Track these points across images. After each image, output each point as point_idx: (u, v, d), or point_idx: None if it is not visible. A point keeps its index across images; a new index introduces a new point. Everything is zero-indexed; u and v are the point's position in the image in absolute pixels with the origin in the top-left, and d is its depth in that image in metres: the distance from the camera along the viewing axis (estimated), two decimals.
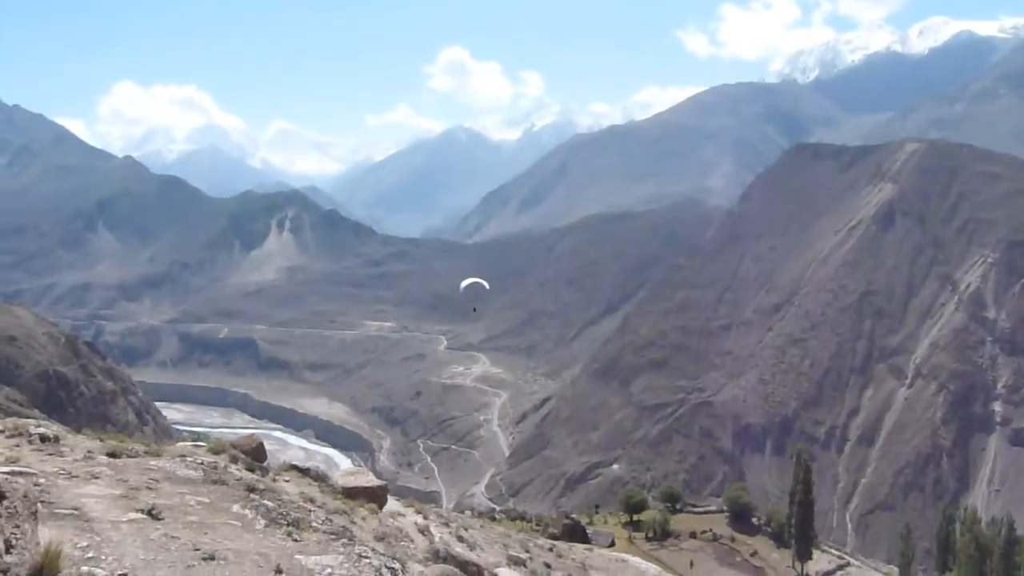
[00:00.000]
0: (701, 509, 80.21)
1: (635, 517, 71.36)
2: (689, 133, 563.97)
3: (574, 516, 55.97)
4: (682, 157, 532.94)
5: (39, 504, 6.82)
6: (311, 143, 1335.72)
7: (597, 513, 78.15)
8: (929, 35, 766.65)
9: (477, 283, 41.00)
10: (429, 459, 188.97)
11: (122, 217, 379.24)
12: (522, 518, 70.57)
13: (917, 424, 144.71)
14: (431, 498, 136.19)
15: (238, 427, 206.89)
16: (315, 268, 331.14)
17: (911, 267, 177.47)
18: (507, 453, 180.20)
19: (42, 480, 8.47)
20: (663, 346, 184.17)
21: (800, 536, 64.49)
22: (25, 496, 6.32)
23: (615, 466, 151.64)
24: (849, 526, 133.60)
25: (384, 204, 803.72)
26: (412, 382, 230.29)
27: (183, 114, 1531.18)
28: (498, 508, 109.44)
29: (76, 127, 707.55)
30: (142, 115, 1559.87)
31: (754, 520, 74.40)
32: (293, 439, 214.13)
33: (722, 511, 77.19)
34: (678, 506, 77.32)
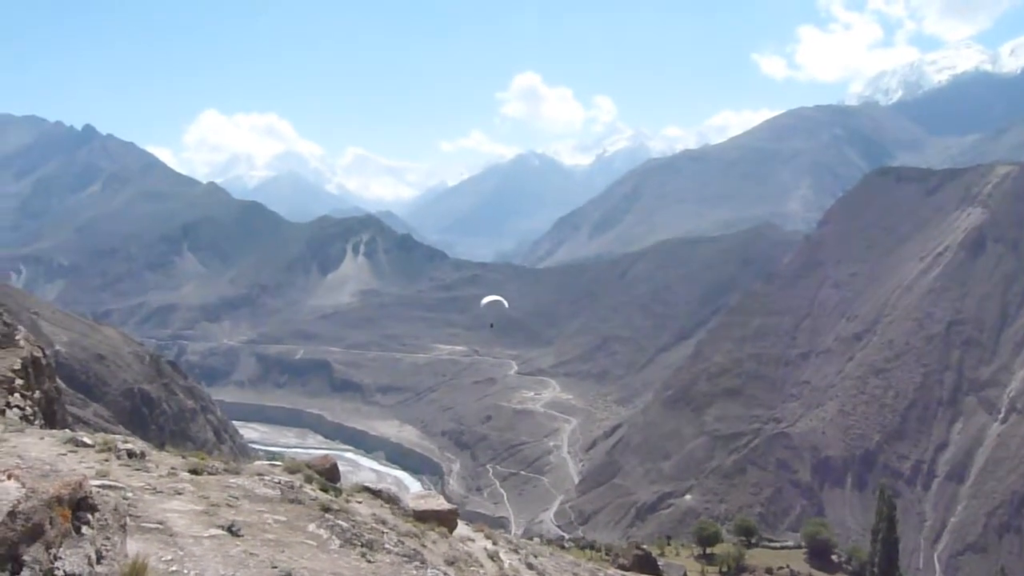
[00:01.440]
0: (778, 544, 77.77)
1: (708, 550, 69.62)
2: (766, 157, 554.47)
3: (645, 547, 54.86)
4: (758, 181, 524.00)
5: (127, 518, 7.07)
6: (386, 169, 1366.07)
7: (669, 544, 76.51)
8: (1022, 54, 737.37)
9: (498, 301, 43.04)
10: (498, 484, 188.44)
11: (205, 241, 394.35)
12: (592, 547, 69.64)
13: (1012, 462, 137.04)
14: (499, 523, 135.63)
15: (311, 447, 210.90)
16: (389, 292, 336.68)
17: (1003, 295, 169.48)
18: (577, 480, 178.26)
19: (130, 494, 8.78)
20: (738, 374, 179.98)
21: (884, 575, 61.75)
22: (115, 509, 6.56)
23: (687, 496, 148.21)
24: (937, 567, 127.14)
25: (457, 229, 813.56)
26: (482, 406, 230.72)
27: (264, 141, 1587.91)
28: (567, 536, 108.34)
29: (164, 155, 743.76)
30: (225, 142, 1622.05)
31: (834, 557, 71.66)
32: (364, 460, 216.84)
33: (800, 547, 74.64)
34: (753, 540, 75.14)
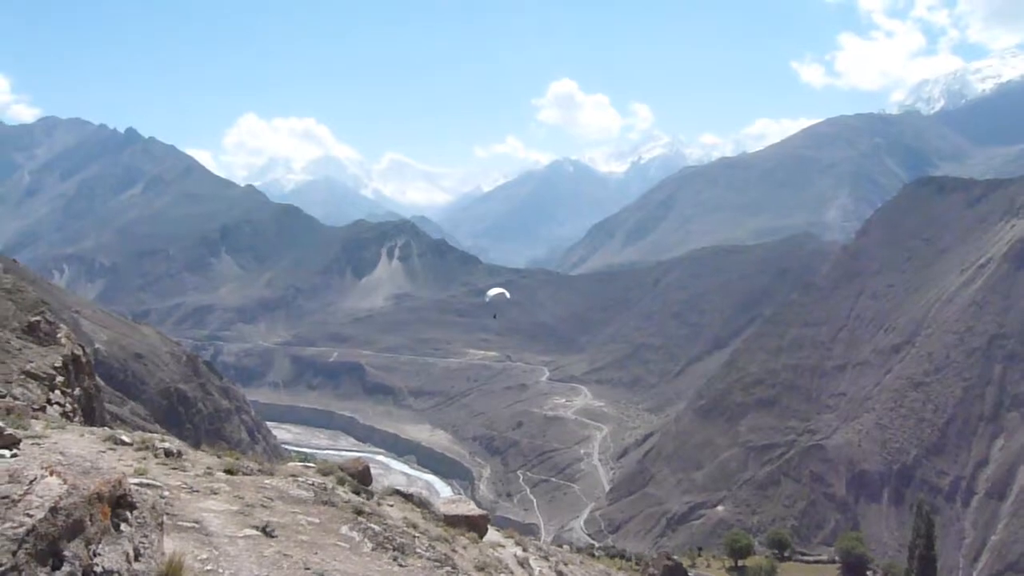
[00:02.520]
0: (811, 558, 76.51)
1: (740, 562, 68.75)
2: (804, 165, 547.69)
3: (675, 557, 54.29)
4: (796, 190, 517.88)
5: (164, 516, 7.16)
6: (422, 174, 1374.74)
7: (700, 556, 75.74)
8: None
9: (501, 293, 44.77)
10: (528, 490, 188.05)
11: (243, 243, 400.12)
12: (622, 556, 69.18)
13: None
14: (529, 530, 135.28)
15: (343, 449, 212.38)
16: (422, 296, 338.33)
17: None
18: (607, 488, 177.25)
19: (167, 493, 8.90)
20: (773, 385, 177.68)
21: None
22: (153, 507, 6.65)
23: (719, 507, 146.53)
24: None
25: (491, 234, 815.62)
26: (513, 412, 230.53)
27: (302, 145, 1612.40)
28: (597, 544, 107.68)
29: (203, 158, 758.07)
30: (264, 146, 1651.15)
31: (869, 573, 70.32)
32: (395, 464, 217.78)
33: (834, 561, 73.34)
34: (786, 553, 74.04)
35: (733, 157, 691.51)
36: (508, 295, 46.59)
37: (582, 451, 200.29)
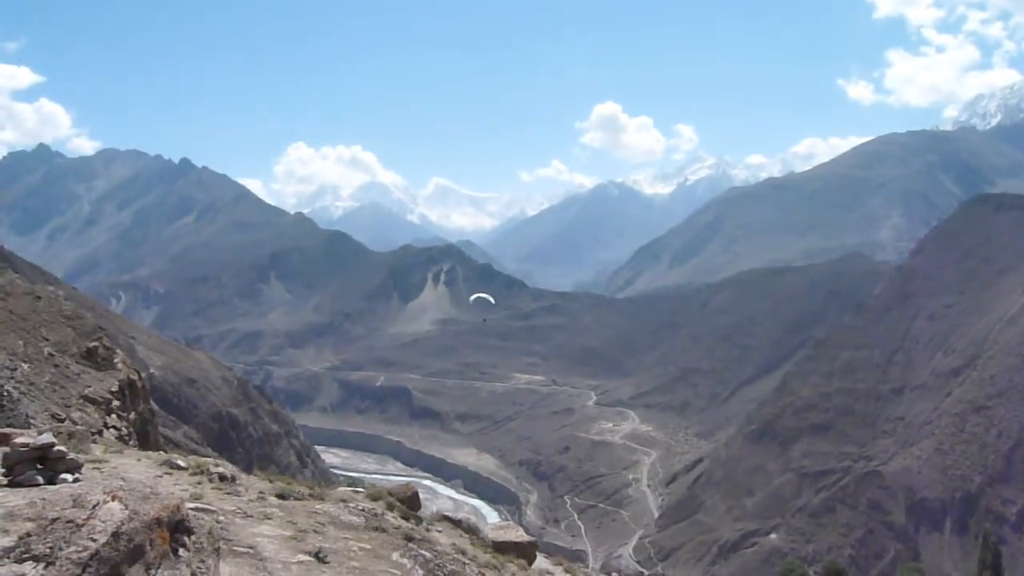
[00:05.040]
0: None
1: None
2: (854, 184, 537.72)
3: None
4: (846, 210, 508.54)
5: (220, 541, 7.24)
6: (467, 199, 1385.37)
7: None
8: None
9: (484, 298, 47.87)
10: (576, 516, 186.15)
11: (292, 270, 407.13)
12: None
13: None
14: (577, 556, 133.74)
15: (391, 474, 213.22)
16: (468, 320, 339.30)
17: None
18: (656, 515, 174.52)
19: (222, 518, 9.02)
20: (826, 409, 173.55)
21: None
22: (209, 532, 6.73)
23: (772, 535, 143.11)
24: None
25: (536, 258, 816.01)
26: (560, 436, 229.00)
27: (349, 172, 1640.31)
28: (646, 572, 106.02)
29: (254, 186, 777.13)
30: (313, 174, 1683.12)
31: None
32: (442, 488, 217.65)
33: None
34: None
35: (780, 177, 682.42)
36: (492, 300, 49.10)
37: (630, 476, 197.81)
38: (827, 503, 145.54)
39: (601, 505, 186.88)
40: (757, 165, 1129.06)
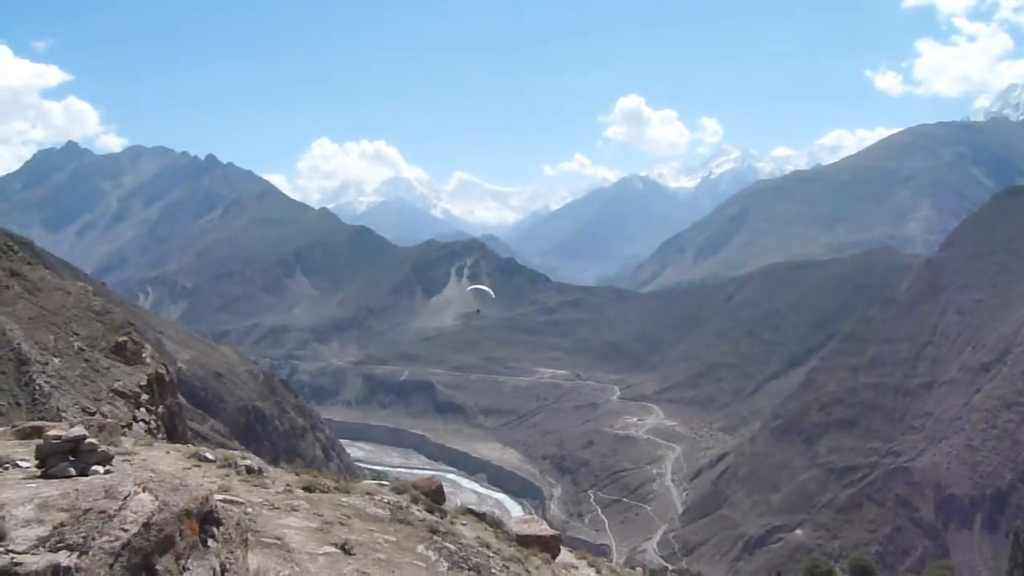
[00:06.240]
0: None
1: None
2: (882, 177, 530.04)
3: None
4: (874, 202, 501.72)
5: (248, 532, 7.34)
6: (490, 193, 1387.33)
7: None
8: None
9: (482, 289, 49.31)
10: (599, 511, 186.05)
11: (316, 265, 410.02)
12: None
13: None
14: (601, 551, 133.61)
15: (415, 467, 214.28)
16: (491, 314, 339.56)
17: None
18: (680, 510, 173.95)
19: (250, 510, 9.13)
20: (853, 404, 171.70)
21: None
22: (238, 524, 6.83)
23: (798, 531, 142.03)
24: None
25: (559, 252, 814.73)
26: (584, 431, 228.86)
27: (373, 167, 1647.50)
28: (671, 567, 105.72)
29: (279, 182, 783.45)
30: (337, 169, 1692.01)
31: None
32: (466, 482, 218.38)
33: None
34: None
35: (807, 170, 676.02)
36: (493, 294, 49.35)
37: (654, 471, 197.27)
38: (854, 499, 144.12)
39: (625, 500, 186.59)
40: (783, 158, 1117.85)
